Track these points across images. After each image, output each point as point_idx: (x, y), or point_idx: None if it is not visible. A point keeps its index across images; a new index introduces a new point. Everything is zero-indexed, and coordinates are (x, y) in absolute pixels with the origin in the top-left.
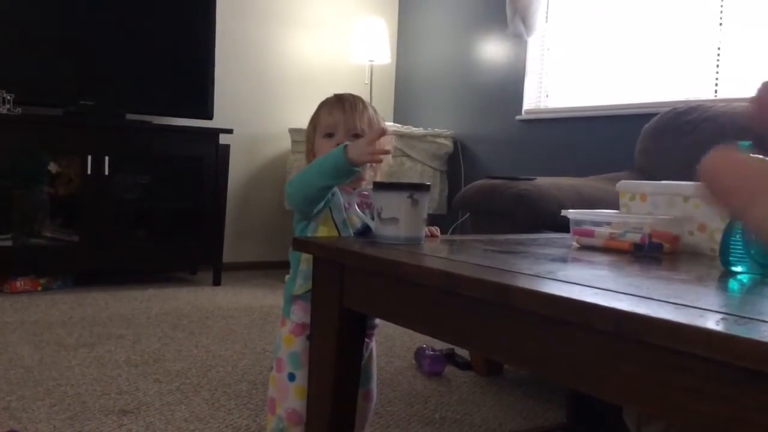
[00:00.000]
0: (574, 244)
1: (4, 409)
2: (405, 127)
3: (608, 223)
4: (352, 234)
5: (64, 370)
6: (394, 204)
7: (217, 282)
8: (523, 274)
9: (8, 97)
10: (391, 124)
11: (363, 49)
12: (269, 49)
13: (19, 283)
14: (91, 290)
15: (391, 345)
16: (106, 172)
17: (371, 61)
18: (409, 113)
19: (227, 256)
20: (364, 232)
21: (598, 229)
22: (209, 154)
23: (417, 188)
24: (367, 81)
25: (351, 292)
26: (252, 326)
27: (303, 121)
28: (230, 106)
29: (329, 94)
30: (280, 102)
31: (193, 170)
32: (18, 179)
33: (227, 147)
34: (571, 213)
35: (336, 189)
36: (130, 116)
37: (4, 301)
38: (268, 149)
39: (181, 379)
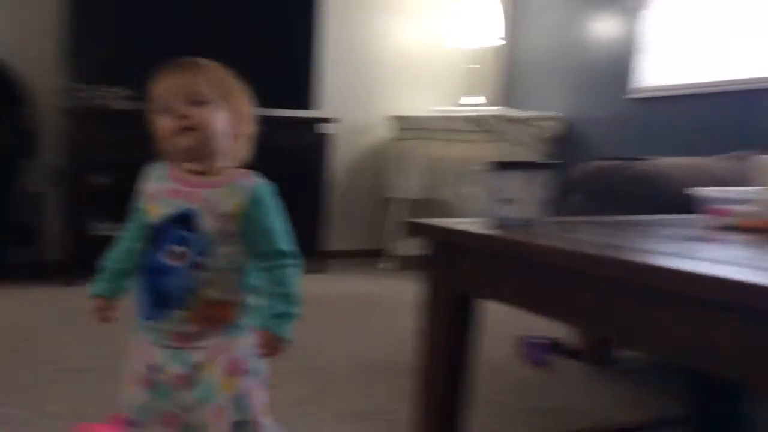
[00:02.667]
0: (707, 223)
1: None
2: (508, 110)
3: (747, 201)
4: (148, 229)
5: None
6: (513, 183)
7: (319, 270)
8: (663, 254)
9: (124, 93)
10: (496, 108)
11: (465, 33)
12: (371, 37)
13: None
14: None
15: (498, 332)
16: None
17: (473, 43)
18: (514, 96)
19: (329, 245)
20: (156, 230)
21: (736, 208)
22: (313, 144)
23: (536, 167)
24: (471, 64)
25: (464, 275)
26: (351, 312)
27: (405, 108)
28: (333, 95)
29: (431, 78)
30: (382, 89)
31: (296, 160)
32: (131, 171)
33: (330, 136)
34: (705, 191)
35: (160, 172)
36: None
37: None
38: (370, 137)
39: (287, 363)
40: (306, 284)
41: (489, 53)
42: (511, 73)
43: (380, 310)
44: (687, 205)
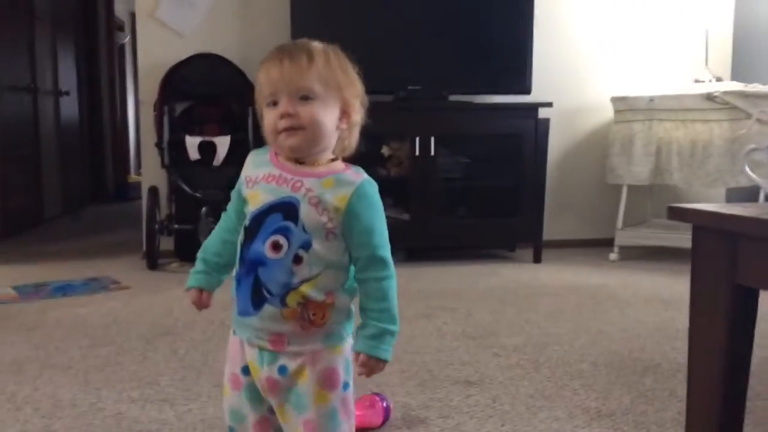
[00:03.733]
0: None
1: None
2: (750, 85)
3: None
4: (246, 222)
5: (409, 339)
6: None
7: (537, 259)
8: None
9: None
10: (731, 83)
11: (692, 4)
12: (587, 16)
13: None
14: (420, 265)
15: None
16: (432, 153)
17: (701, 15)
18: (744, 70)
19: (549, 234)
20: (256, 219)
21: None
22: (528, 129)
23: None
24: (700, 37)
25: (747, 266)
26: (582, 305)
27: (626, 89)
28: (549, 78)
29: (657, 56)
30: (601, 70)
31: (512, 147)
32: (356, 162)
33: (547, 121)
34: None
35: (262, 160)
36: (452, 97)
37: None
38: (588, 121)
39: (519, 355)
40: (527, 275)
41: (717, 26)
42: (740, 47)
43: (613, 303)
44: None
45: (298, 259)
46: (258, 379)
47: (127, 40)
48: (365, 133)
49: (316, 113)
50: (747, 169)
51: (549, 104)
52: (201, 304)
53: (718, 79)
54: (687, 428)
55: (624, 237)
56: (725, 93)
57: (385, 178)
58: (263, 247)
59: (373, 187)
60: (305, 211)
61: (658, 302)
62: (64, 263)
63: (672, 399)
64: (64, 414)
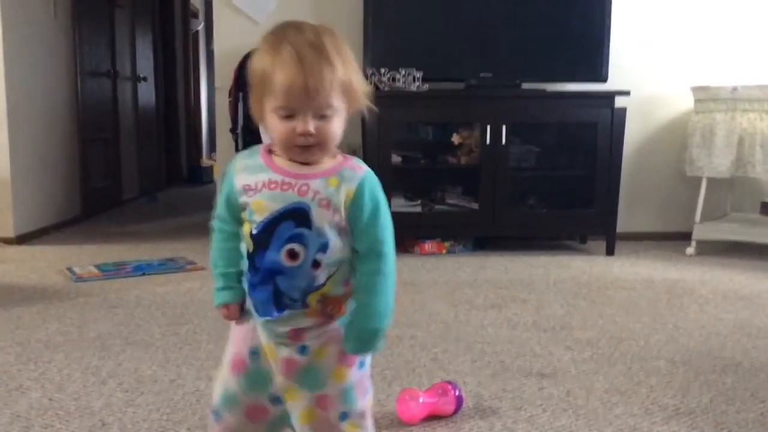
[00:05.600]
0: None
1: (432, 359)
2: None
3: None
4: (252, 230)
5: (479, 329)
6: None
7: (610, 252)
8: None
9: (417, 75)
10: None
11: None
12: (667, 2)
13: (427, 246)
14: (489, 254)
15: None
16: (503, 142)
17: None
18: None
19: (623, 226)
20: (266, 229)
21: None
22: (604, 118)
23: None
24: None
25: None
26: (657, 300)
27: (707, 79)
28: (626, 67)
29: (740, 44)
30: (681, 58)
31: (587, 136)
32: (425, 150)
33: (623, 110)
34: None
35: (253, 159)
36: (525, 85)
37: (417, 262)
38: (666, 110)
39: (592, 349)
40: (599, 268)
41: None
42: None
43: (691, 299)
44: None
45: (316, 264)
46: (274, 359)
47: (200, 27)
48: (435, 121)
49: (333, 130)
50: None
51: (626, 93)
52: (232, 317)
53: None
54: None
55: (702, 231)
56: None
57: (454, 166)
58: (278, 256)
59: (375, 180)
60: (318, 215)
61: (738, 299)
62: (142, 243)
63: (753, 400)
64: (146, 389)
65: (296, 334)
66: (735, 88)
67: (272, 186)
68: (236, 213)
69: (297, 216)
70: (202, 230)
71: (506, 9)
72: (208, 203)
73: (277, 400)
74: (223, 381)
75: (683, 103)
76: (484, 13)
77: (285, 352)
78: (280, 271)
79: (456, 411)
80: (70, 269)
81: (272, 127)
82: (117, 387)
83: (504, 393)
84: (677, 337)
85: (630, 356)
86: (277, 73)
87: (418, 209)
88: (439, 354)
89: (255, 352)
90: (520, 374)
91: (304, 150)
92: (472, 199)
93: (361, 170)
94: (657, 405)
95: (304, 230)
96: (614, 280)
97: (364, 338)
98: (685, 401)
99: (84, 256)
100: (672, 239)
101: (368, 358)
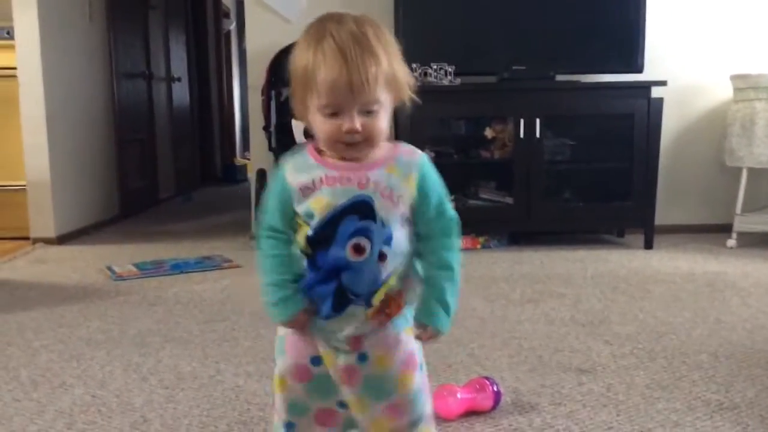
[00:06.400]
0: None
1: (468, 355)
2: None
3: None
4: (310, 231)
5: (515, 324)
6: None
7: (648, 245)
8: None
9: (449, 70)
10: None
11: None
12: None
13: (462, 241)
14: (524, 249)
15: None
16: (537, 135)
17: None
18: None
19: (661, 219)
20: (327, 227)
21: None
22: (640, 109)
23: None
24: None
25: None
26: (698, 294)
27: (746, 67)
28: (662, 56)
29: None
30: (718, 47)
31: (623, 128)
32: (458, 145)
33: (660, 101)
34: None
35: (301, 158)
36: (559, 77)
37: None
38: (704, 100)
39: (632, 344)
40: (638, 261)
41: None
42: None
43: (733, 292)
44: None
45: (382, 256)
46: (334, 368)
47: (232, 26)
48: (468, 115)
49: (380, 125)
50: None
51: (663, 83)
52: (302, 326)
53: None
54: None
55: (744, 222)
56: None
57: (488, 160)
58: (344, 252)
59: (429, 160)
60: (381, 206)
61: None
62: (179, 242)
63: None
64: (186, 385)
65: (356, 342)
66: None
67: (331, 182)
68: (290, 219)
69: (361, 209)
70: (236, 228)
71: (539, 1)
72: (242, 202)
73: (344, 404)
74: (286, 394)
75: (722, 92)
76: (516, 5)
77: (344, 360)
78: (346, 266)
79: (494, 407)
80: (109, 268)
81: (317, 125)
82: (157, 383)
83: (543, 388)
84: (719, 331)
85: (671, 351)
86: (319, 69)
87: (452, 204)
88: (475, 349)
89: (316, 359)
90: (559, 369)
91: (351, 147)
92: (506, 194)
93: (416, 155)
94: (700, 400)
95: (369, 223)
96: (653, 274)
97: (438, 314)
98: (728, 396)
99: (123, 255)
100: (712, 231)
101: (424, 362)
